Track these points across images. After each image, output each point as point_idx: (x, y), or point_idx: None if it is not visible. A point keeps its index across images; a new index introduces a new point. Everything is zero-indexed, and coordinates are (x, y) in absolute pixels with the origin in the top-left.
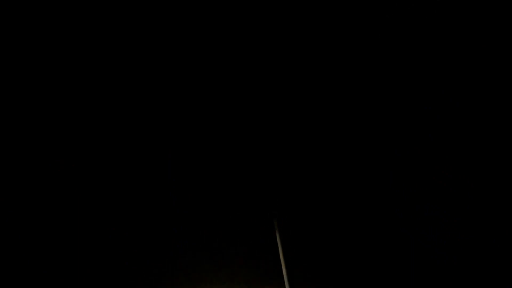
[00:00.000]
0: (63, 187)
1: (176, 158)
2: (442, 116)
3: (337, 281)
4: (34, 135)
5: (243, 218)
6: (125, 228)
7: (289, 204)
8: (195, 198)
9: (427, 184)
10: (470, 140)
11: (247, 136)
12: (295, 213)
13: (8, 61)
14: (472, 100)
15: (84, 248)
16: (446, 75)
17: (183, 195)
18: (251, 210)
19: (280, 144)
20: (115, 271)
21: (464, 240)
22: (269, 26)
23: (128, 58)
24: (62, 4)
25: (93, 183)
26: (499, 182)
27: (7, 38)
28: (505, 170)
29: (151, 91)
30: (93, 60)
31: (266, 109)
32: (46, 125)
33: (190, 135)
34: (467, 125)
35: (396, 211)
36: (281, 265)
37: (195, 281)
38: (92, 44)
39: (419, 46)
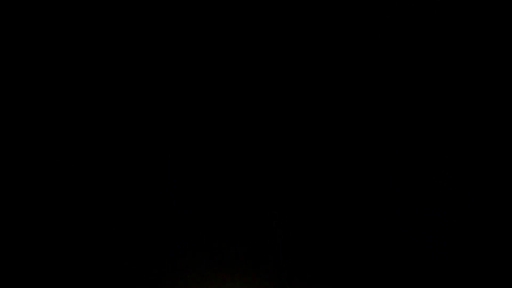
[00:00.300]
0: (63, 187)
1: (176, 158)
2: (442, 116)
3: (336, 281)
4: (34, 135)
5: (243, 218)
6: (125, 228)
7: (289, 204)
8: (195, 198)
9: (427, 184)
10: (470, 140)
11: (247, 136)
12: (295, 214)
13: (8, 61)
14: (472, 100)
15: (84, 248)
16: (446, 75)
17: (183, 195)
18: (251, 211)
19: (280, 145)
20: (115, 271)
21: (464, 240)
22: (269, 26)
23: (128, 58)
24: (62, 4)
25: (93, 183)
26: (499, 182)
27: (7, 38)
28: (505, 170)
29: (151, 91)
30: (93, 60)
31: (266, 109)
32: (46, 125)
33: (190, 135)
34: (467, 125)
35: (396, 211)
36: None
37: (195, 281)
38: (92, 44)
39: (419, 46)
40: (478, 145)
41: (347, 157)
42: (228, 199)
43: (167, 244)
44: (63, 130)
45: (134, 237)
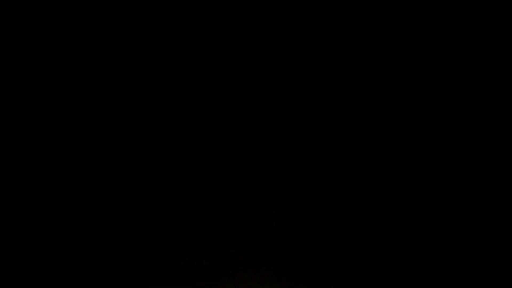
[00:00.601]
0: (63, 187)
1: (176, 158)
2: (442, 116)
3: (337, 281)
4: (34, 135)
5: (243, 218)
6: (125, 228)
7: (289, 204)
8: (195, 198)
9: (427, 184)
10: (470, 140)
11: (247, 136)
12: (295, 214)
13: (8, 61)
14: (472, 100)
15: (84, 248)
16: (446, 75)
17: (183, 195)
18: (251, 211)
19: (280, 145)
20: (115, 271)
21: (464, 240)
22: (270, 26)
23: (128, 58)
24: (62, 4)
25: (93, 183)
26: (499, 182)
27: (7, 38)
28: (505, 170)
29: (151, 91)
30: (93, 60)
31: (266, 110)
32: (46, 125)
33: (190, 135)
34: (467, 125)
35: (396, 211)
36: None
37: (195, 281)
38: (92, 44)
39: (419, 46)
40: (478, 145)
41: (347, 157)
42: (228, 199)
43: (167, 244)
44: (63, 130)
45: (134, 237)
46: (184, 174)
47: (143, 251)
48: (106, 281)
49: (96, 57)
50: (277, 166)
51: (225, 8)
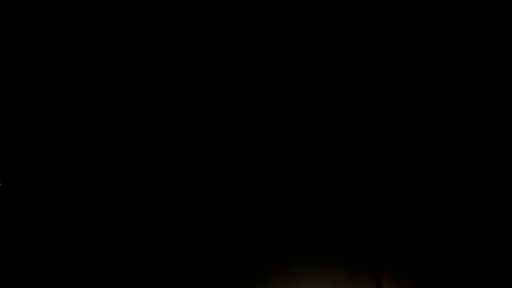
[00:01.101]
0: (63, 187)
1: (176, 158)
2: (442, 116)
3: (337, 280)
4: (34, 135)
5: (243, 218)
6: (125, 228)
7: (289, 204)
8: (195, 198)
9: (427, 184)
10: (470, 140)
11: (247, 136)
12: (295, 214)
13: (8, 61)
14: (472, 100)
15: (84, 248)
16: (446, 75)
17: (183, 195)
18: (251, 211)
19: (280, 145)
20: (115, 271)
21: (464, 240)
22: (270, 26)
23: (128, 58)
24: (62, 4)
25: (93, 183)
26: (499, 182)
27: (7, 38)
28: (505, 170)
29: (151, 91)
30: (93, 60)
31: (266, 110)
32: (46, 125)
33: (190, 135)
34: (467, 125)
35: (396, 211)
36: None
37: (196, 281)
38: (92, 44)
39: (419, 46)
40: (478, 145)
41: (347, 158)
42: (228, 199)
43: (167, 244)
44: (63, 130)
45: (134, 237)
46: (184, 174)
47: (143, 251)
48: (106, 281)
49: (96, 58)
50: (277, 167)
51: (225, 9)
